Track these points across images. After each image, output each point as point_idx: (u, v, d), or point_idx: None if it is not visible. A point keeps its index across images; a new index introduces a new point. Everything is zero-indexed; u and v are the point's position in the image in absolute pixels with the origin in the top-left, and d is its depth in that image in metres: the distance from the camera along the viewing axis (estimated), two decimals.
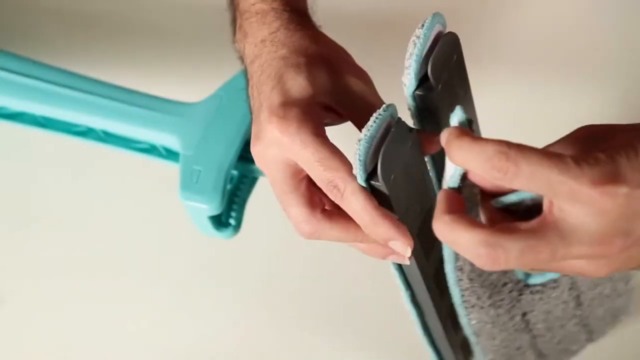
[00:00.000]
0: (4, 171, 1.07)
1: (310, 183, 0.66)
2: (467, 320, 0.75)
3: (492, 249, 0.53)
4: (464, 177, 0.56)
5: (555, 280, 0.72)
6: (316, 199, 0.66)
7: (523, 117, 1.02)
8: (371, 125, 0.61)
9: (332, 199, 0.64)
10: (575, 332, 0.77)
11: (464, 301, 0.71)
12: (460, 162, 0.54)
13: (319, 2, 0.73)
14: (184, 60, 1.10)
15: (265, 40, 0.68)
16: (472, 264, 0.68)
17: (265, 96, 0.66)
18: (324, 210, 0.66)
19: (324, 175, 0.63)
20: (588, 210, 0.52)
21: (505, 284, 0.72)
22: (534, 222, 0.53)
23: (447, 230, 0.54)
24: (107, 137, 0.88)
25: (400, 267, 0.74)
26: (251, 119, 0.69)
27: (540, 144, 0.56)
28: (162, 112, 0.85)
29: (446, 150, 0.55)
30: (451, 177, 0.56)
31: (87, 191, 1.05)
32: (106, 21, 1.14)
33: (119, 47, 1.12)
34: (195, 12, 1.10)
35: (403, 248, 0.63)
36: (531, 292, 0.74)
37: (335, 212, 0.66)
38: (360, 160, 0.61)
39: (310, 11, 0.72)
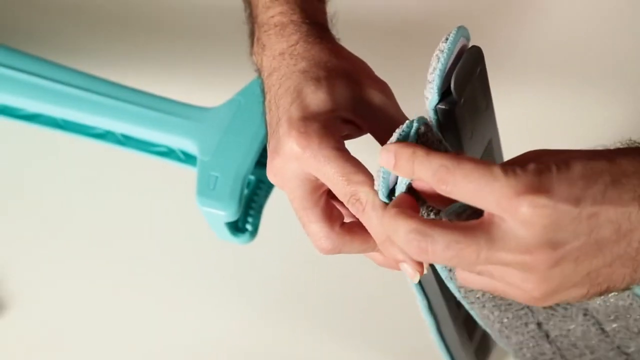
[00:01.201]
0: (13, 172, 1.06)
1: (329, 197, 0.66)
2: (475, 314, 0.73)
3: (422, 237, 0.54)
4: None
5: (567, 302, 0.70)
6: (335, 212, 0.66)
7: (540, 126, 1.02)
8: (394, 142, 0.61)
9: (354, 212, 0.64)
10: (612, 357, 0.74)
11: (463, 297, 0.71)
12: (415, 176, 0.57)
13: (337, 13, 0.73)
14: (202, 64, 1.09)
15: (284, 53, 0.68)
16: None
17: (284, 110, 0.65)
18: (342, 224, 0.66)
19: (347, 189, 0.63)
20: (513, 220, 0.53)
21: None
22: (470, 223, 0.55)
23: (390, 219, 0.56)
24: (125, 140, 0.88)
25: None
26: (267, 131, 0.68)
27: None
28: (180, 116, 0.85)
29: (397, 164, 0.57)
30: (399, 184, 0.59)
31: (99, 194, 1.05)
32: (125, 23, 1.14)
33: (136, 50, 1.11)
34: (212, 17, 1.10)
35: (412, 273, 0.63)
36: (543, 308, 0.72)
37: (355, 224, 0.66)
38: (383, 177, 0.61)
39: (329, 24, 0.71)
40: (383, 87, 0.68)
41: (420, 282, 0.75)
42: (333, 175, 0.63)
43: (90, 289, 0.99)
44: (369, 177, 0.63)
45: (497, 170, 0.53)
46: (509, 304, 0.71)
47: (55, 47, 1.11)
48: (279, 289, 0.97)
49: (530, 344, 0.75)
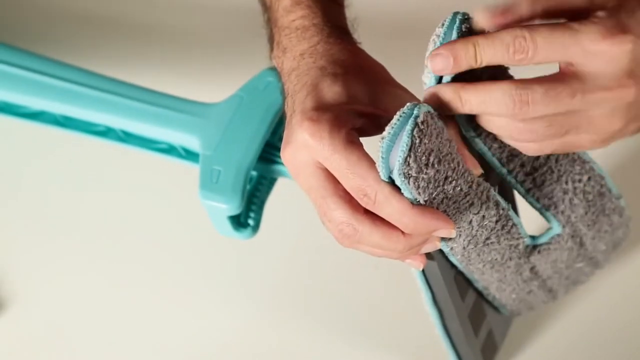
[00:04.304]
0: (13, 171, 1.06)
1: None
2: (474, 279, 0.77)
3: (522, 90, 0.60)
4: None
5: (558, 235, 0.75)
6: (355, 200, 0.64)
7: None
8: (395, 123, 0.61)
9: (364, 206, 0.63)
10: (581, 267, 0.80)
11: (464, 267, 0.74)
12: (483, 62, 0.61)
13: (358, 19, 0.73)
14: (203, 60, 1.10)
15: (304, 54, 0.68)
16: (464, 246, 0.69)
17: (299, 102, 0.65)
18: (366, 211, 0.64)
19: (354, 182, 0.62)
20: (601, 61, 0.60)
21: (510, 259, 0.74)
22: (553, 75, 0.61)
23: (478, 91, 0.61)
24: (126, 137, 0.88)
25: (422, 269, 0.73)
26: (274, 121, 0.68)
27: None
28: (182, 112, 0.85)
29: (457, 60, 0.61)
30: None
31: (99, 192, 1.04)
32: (127, 21, 1.14)
33: (138, 47, 1.12)
34: (213, 14, 1.10)
35: (448, 232, 0.64)
36: (538, 252, 0.76)
37: (376, 215, 0.64)
38: (383, 157, 0.61)
39: (350, 29, 0.72)
40: (402, 87, 0.68)
41: (424, 274, 0.75)
42: (339, 166, 0.62)
43: (91, 287, 0.98)
44: (374, 168, 0.62)
45: (574, 24, 0.60)
46: (508, 267, 0.75)
47: (55, 47, 1.11)
48: (281, 287, 0.97)
49: (521, 287, 0.79)
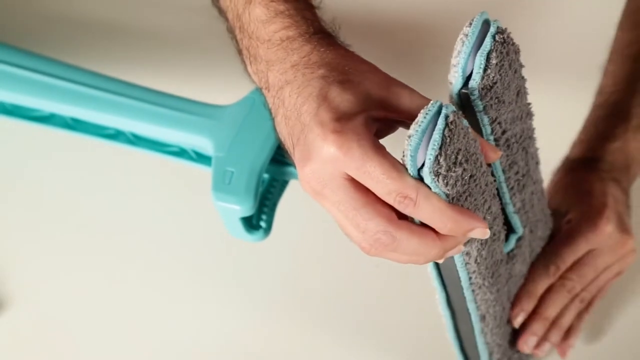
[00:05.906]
0: (13, 170, 1.06)
1: None
2: (475, 306, 0.77)
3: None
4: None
5: (521, 238, 0.79)
6: (388, 208, 0.62)
7: (552, 123, 1.02)
8: (421, 121, 0.60)
9: (402, 210, 0.61)
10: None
11: (471, 284, 0.73)
12: None
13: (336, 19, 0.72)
14: (213, 63, 1.10)
15: (297, 65, 0.65)
16: (478, 249, 0.70)
17: (311, 115, 0.62)
18: (401, 216, 0.63)
19: (392, 186, 0.60)
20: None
21: (500, 261, 0.76)
22: None
23: None
24: (136, 140, 0.88)
25: (438, 270, 0.74)
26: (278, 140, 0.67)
27: None
28: (194, 114, 0.85)
29: None
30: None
31: (101, 192, 1.05)
32: (136, 26, 1.14)
33: (147, 52, 1.12)
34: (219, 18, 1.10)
35: (483, 232, 0.63)
36: (510, 258, 0.79)
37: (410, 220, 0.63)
38: (412, 156, 0.60)
39: (334, 31, 0.69)
40: (402, 84, 0.67)
41: (441, 275, 0.75)
42: (373, 174, 0.61)
43: (92, 287, 0.99)
44: (407, 170, 0.61)
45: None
46: (500, 275, 0.78)
47: (68, 49, 1.11)
48: (283, 287, 0.97)
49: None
